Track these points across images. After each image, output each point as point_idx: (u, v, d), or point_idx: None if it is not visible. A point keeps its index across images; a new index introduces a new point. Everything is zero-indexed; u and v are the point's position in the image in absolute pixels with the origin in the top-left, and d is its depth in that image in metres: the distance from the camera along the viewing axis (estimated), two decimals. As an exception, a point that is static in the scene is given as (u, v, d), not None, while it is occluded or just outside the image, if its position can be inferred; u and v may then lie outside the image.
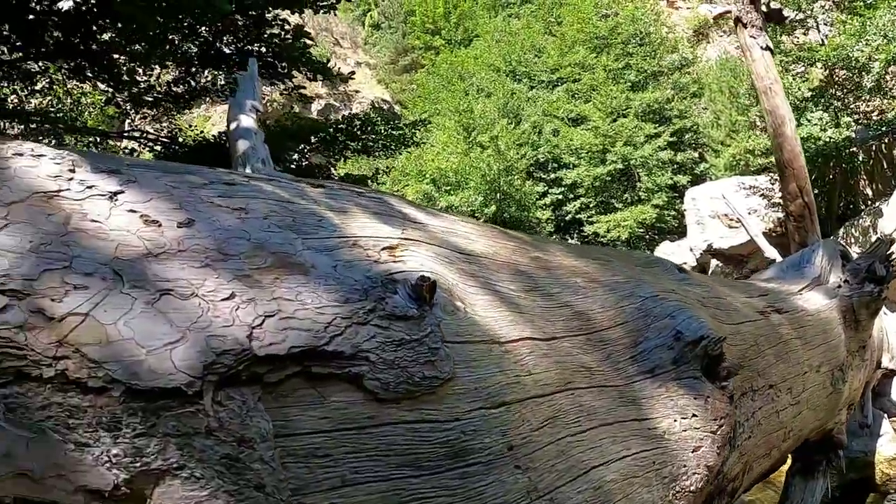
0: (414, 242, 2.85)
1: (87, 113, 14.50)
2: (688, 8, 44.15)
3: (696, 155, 31.00)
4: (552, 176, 31.42)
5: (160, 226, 2.16)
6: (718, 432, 3.51)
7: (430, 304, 2.42)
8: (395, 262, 2.62)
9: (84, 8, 7.36)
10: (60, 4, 7.57)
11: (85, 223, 2.02)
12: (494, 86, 35.22)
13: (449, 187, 28.80)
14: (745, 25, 13.47)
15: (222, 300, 2.01)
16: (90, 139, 11.89)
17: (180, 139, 11.33)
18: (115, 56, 8.97)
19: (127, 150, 13.84)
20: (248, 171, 6.44)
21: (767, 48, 13.43)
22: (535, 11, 42.46)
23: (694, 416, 3.43)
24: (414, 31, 45.92)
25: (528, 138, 31.54)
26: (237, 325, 1.97)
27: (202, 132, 12.30)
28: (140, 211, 2.18)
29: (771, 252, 13.23)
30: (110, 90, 10.21)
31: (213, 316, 1.95)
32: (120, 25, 7.87)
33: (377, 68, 41.58)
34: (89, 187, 2.15)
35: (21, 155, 2.13)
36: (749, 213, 23.05)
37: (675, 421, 3.35)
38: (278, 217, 2.53)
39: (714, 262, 24.38)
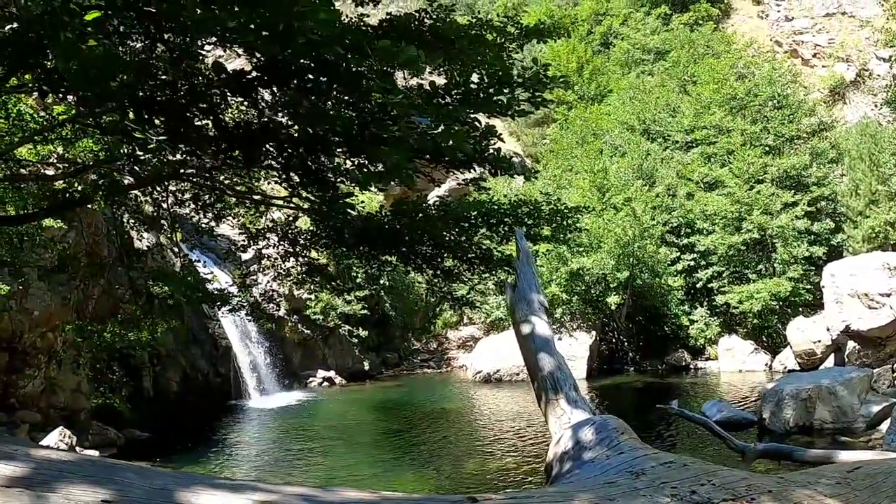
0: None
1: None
2: (823, 66, 43.64)
3: (833, 225, 30.54)
4: (685, 241, 31.43)
5: None
6: None
7: None
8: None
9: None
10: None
11: None
12: (629, 145, 35.55)
13: (582, 249, 29.27)
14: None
15: None
16: None
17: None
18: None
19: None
20: (561, 402, 6.71)
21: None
22: (669, 69, 42.61)
23: None
24: (547, 85, 46.49)
25: (661, 201, 31.69)
26: None
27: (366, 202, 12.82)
28: None
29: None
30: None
31: None
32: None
33: (507, 120, 42.57)
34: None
35: None
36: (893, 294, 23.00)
37: None
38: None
39: (851, 344, 24.27)
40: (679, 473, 4.52)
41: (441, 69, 9.52)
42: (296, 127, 7.52)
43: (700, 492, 3.99)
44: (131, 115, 7.02)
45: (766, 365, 28.57)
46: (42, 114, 10.96)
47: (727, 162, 32.54)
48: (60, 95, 6.37)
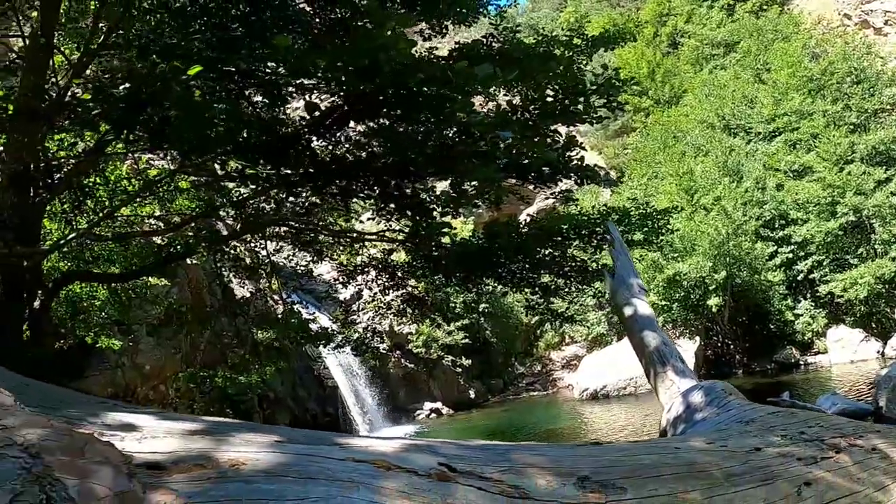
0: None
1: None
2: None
3: (932, 197, 29.23)
4: (780, 234, 30.65)
5: None
6: None
7: None
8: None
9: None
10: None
11: None
12: (711, 143, 34.96)
13: (676, 254, 28.88)
14: None
15: None
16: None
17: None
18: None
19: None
20: (669, 373, 7.07)
21: None
22: (741, 60, 41.92)
23: None
24: (620, 94, 46.18)
25: (751, 196, 30.97)
26: None
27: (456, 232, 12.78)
28: None
29: None
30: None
31: None
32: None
33: (587, 135, 42.47)
34: None
35: None
36: None
37: None
38: None
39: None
40: (787, 419, 4.67)
41: (515, 89, 9.66)
42: (388, 156, 7.80)
43: (808, 432, 4.11)
44: (231, 163, 7.38)
45: (879, 352, 27.49)
46: (136, 179, 11.52)
47: (813, 146, 31.73)
48: (163, 151, 6.76)
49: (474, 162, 7.00)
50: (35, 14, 8.48)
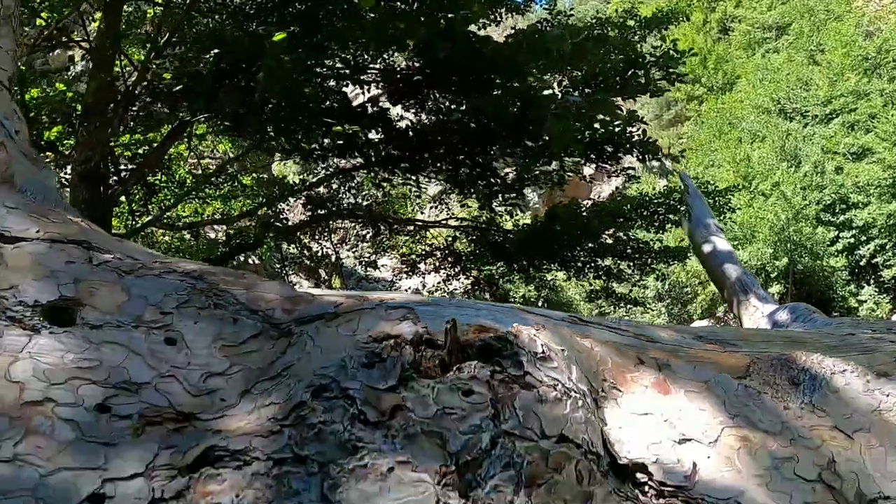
0: None
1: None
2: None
3: None
4: (841, 218, 29.80)
5: None
6: None
7: None
8: None
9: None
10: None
11: None
12: (767, 128, 34.41)
13: (736, 242, 28.48)
14: None
15: None
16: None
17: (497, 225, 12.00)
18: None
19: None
20: (752, 300, 7.35)
21: None
22: (793, 42, 41.24)
23: None
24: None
25: (810, 180, 30.34)
26: None
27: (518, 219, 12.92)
28: None
29: None
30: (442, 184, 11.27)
31: None
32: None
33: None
34: None
35: None
36: None
37: None
38: None
39: None
40: (874, 324, 4.70)
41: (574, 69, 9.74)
42: (466, 121, 7.96)
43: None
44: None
45: (943, 337, 26.63)
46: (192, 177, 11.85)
47: (871, 127, 30.96)
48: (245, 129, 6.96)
49: (547, 124, 7.12)
50: (98, 16, 8.74)
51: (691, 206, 9.43)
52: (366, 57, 7.65)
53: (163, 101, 7.16)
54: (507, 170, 10.52)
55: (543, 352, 1.67)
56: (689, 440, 1.70)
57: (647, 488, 1.63)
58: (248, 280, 1.97)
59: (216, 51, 5.75)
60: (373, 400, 1.50)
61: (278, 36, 5.11)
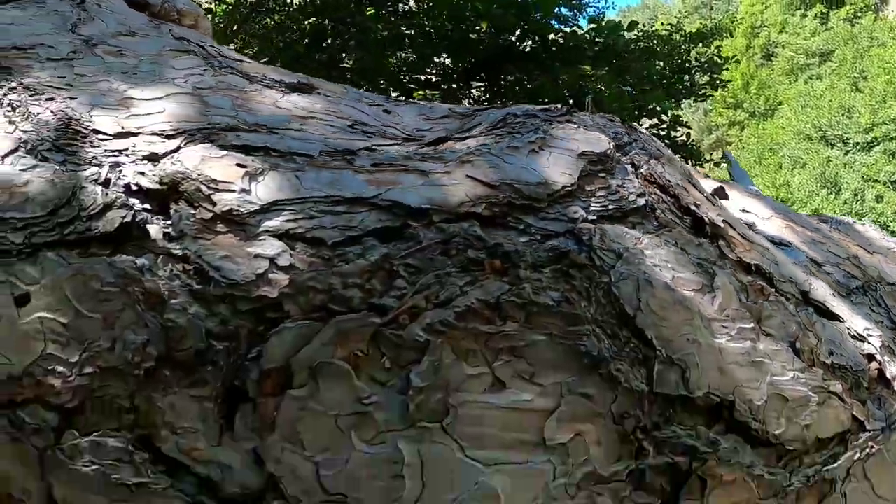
0: None
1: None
2: None
3: None
4: (881, 248, 29.64)
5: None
6: None
7: None
8: None
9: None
10: None
11: None
12: (808, 155, 34.36)
13: (774, 267, 28.31)
14: None
15: None
16: None
17: None
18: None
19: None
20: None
21: None
22: (836, 69, 40.97)
23: None
24: (715, 108, 45.70)
25: (850, 208, 30.19)
26: None
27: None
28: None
29: None
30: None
31: None
32: None
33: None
34: None
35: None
36: None
37: None
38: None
39: None
40: None
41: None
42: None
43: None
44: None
45: None
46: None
47: (915, 156, 30.72)
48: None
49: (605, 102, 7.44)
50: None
51: (737, 179, 9.62)
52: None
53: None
54: None
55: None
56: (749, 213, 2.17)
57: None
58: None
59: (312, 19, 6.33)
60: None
61: (368, 11, 5.63)
